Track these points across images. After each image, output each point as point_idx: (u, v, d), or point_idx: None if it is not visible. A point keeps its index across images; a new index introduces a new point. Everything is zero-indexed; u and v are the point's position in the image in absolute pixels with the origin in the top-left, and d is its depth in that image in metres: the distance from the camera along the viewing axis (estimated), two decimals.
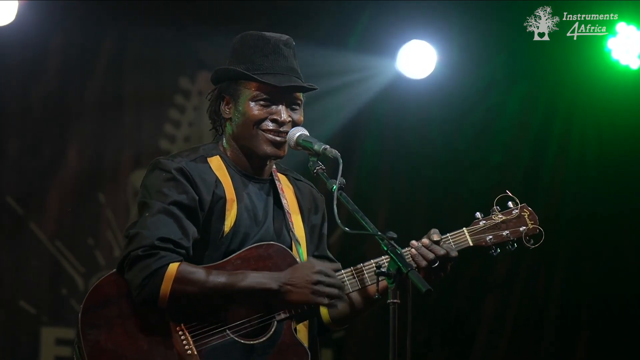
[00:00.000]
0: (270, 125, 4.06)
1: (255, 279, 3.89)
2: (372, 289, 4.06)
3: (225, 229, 4.00)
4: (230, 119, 4.13)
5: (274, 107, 4.08)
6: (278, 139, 4.07)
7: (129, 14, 7.85)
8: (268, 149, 4.08)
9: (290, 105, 4.11)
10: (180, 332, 3.86)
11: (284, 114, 4.07)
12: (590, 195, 8.51)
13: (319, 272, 3.92)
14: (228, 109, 4.13)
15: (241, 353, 3.89)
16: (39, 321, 7.74)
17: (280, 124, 4.06)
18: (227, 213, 4.01)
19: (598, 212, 8.49)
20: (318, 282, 3.90)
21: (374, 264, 4.02)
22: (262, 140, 4.07)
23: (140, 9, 7.86)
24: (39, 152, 7.82)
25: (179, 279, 3.82)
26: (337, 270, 4.04)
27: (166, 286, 3.81)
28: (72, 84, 7.88)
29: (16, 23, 7.41)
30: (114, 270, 3.91)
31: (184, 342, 3.85)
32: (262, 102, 4.07)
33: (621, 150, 8.31)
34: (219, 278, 3.86)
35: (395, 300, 3.66)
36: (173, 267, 3.83)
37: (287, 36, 4.19)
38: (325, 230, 4.32)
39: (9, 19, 7.38)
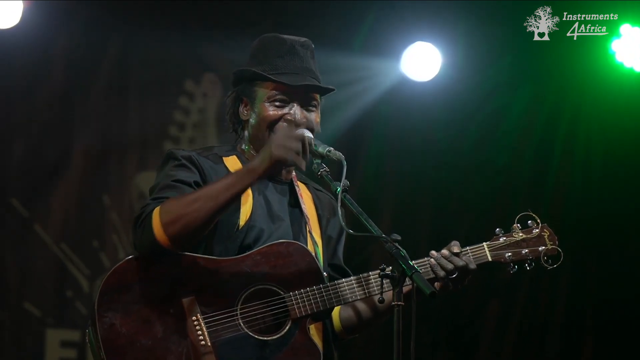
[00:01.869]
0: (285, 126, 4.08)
1: (233, 176, 3.87)
2: (386, 295, 4.04)
3: (241, 223, 4.00)
4: (247, 120, 4.14)
5: (287, 107, 4.08)
6: None
7: (134, 16, 7.85)
8: None
9: (306, 105, 4.10)
10: (195, 322, 3.86)
11: (298, 114, 4.07)
12: (596, 198, 8.50)
13: (277, 136, 3.89)
14: (246, 110, 4.14)
15: (254, 348, 3.90)
16: (44, 323, 7.76)
17: (295, 125, 4.07)
18: (242, 208, 4.02)
19: (603, 215, 8.47)
20: (280, 139, 3.86)
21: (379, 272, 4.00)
22: None
23: (145, 10, 7.87)
24: (43, 154, 7.83)
25: (164, 210, 3.80)
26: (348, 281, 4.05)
27: (156, 224, 3.80)
28: (77, 86, 7.89)
29: (21, 25, 7.42)
30: (132, 256, 3.92)
31: (199, 332, 3.86)
32: (276, 103, 4.08)
33: (627, 153, 8.29)
34: (201, 190, 3.86)
35: (399, 303, 3.67)
36: (157, 207, 3.83)
37: (306, 38, 4.20)
38: (342, 243, 4.33)
39: (14, 21, 7.40)
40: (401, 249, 3.75)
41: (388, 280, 3.78)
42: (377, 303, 4.12)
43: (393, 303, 3.68)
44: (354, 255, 8.11)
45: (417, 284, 3.63)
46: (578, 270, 8.58)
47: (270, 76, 4.06)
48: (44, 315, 7.76)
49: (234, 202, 3.89)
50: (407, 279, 3.70)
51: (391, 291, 3.77)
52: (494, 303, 8.71)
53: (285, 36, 4.17)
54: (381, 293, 3.85)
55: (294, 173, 4.24)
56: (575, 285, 8.60)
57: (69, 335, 7.76)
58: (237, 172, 3.88)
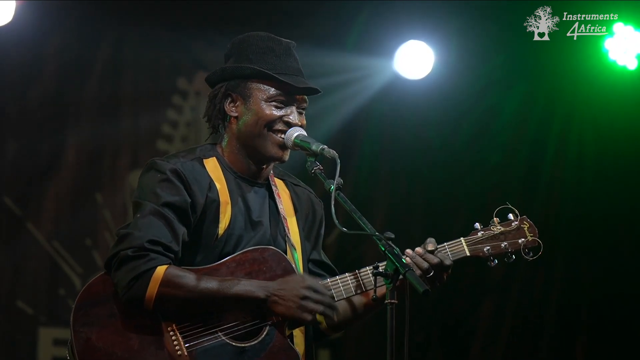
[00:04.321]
0: (281, 126, 4.06)
1: (243, 287, 3.88)
2: (369, 292, 4.03)
3: (220, 232, 3.99)
4: (236, 117, 4.09)
5: (287, 108, 4.07)
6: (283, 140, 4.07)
7: (127, 15, 7.84)
8: (274, 150, 4.07)
9: (300, 108, 4.11)
10: (171, 333, 3.86)
11: (296, 116, 4.08)
12: (589, 195, 8.51)
13: (308, 288, 3.90)
14: (235, 107, 4.10)
15: (232, 355, 3.89)
16: (37, 322, 7.74)
17: (292, 125, 4.06)
18: (221, 216, 4.00)
19: (596, 213, 8.49)
20: (305, 298, 3.89)
21: (371, 269, 3.97)
22: (270, 141, 4.06)
23: (138, 9, 7.86)
24: (36, 152, 7.81)
25: (166, 282, 3.82)
26: (327, 285, 4.03)
27: (152, 289, 3.81)
28: (70, 85, 7.88)
29: (14, 23, 7.40)
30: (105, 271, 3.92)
31: (175, 342, 3.86)
32: (276, 103, 4.06)
33: (619, 151, 8.31)
34: (206, 284, 3.86)
35: (392, 301, 3.66)
36: (160, 270, 3.83)
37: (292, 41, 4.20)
38: (322, 233, 4.31)
39: (7, 19, 7.38)
40: (394, 247, 3.75)
41: (379, 277, 3.77)
42: (362, 301, 4.13)
43: (386, 301, 3.67)
44: (347, 253, 8.11)
45: (411, 282, 3.63)
46: (571, 268, 8.59)
47: (277, 76, 4.04)
48: (36, 314, 7.74)
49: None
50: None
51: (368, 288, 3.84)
52: (488, 301, 8.72)
53: (278, 37, 4.16)
54: (375, 291, 3.83)
55: (271, 172, 4.22)
56: (569, 283, 8.61)
57: (61, 334, 7.74)
58: (245, 289, 3.88)
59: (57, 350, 7.74)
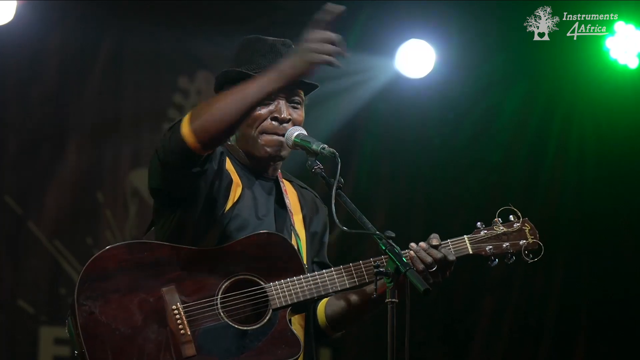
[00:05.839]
0: (272, 124, 4.08)
1: (260, 78, 3.81)
2: (370, 289, 4.04)
3: (227, 207, 4.02)
4: None
5: (273, 104, 4.09)
6: (275, 137, 4.09)
7: (128, 13, 7.86)
8: (269, 150, 4.09)
9: (290, 102, 4.11)
10: (175, 311, 3.87)
11: (284, 111, 4.08)
12: (590, 194, 8.51)
13: (309, 39, 3.82)
14: None
15: (234, 337, 3.89)
16: (38, 321, 7.75)
17: (280, 121, 4.07)
18: (231, 194, 4.03)
19: (597, 212, 8.49)
20: (308, 43, 3.80)
21: (372, 263, 4.00)
22: (261, 142, 4.08)
23: (139, 8, 7.87)
24: (37, 151, 7.82)
25: (193, 113, 3.79)
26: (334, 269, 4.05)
27: (185, 122, 3.77)
28: (71, 83, 7.89)
29: (15, 22, 7.42)
30: (115, 244, 3.95)
31: (178, 321, 3.86)
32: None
33: (620, 150, 8.31)
34: (232, 89, 3.83)
35: (393, 300, 3.67)
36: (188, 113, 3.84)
37: (287, 39, 4.21)
38: (326, 240, 4.34)
39: (8, 19, 7.39)
40: (395, 246, 3.76)
41: (381, 277, 3.78)
42: (362, 298, 4.14)
43: (387, 300, 3.68)
44: (347, 252, 8.12)
45: (412, 280, 3.64)
46: (571, 268, 8.59)
47: (252, 73, 4.05)
48: (37, 313, 7.75)
49: (261, 103, 3.87)
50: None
51: (371, 285, 3.83)
52: (488, 300, 8.72)
53: (267, 37, 4.19)
54: (375, 290, 3.84)
55: (279, 172, 4.24)
56: (568, 283, 8.61)
57: (62, 333, 7.71)
58: (266, 74, 3.79)
59: (58, 349, 7.75)
